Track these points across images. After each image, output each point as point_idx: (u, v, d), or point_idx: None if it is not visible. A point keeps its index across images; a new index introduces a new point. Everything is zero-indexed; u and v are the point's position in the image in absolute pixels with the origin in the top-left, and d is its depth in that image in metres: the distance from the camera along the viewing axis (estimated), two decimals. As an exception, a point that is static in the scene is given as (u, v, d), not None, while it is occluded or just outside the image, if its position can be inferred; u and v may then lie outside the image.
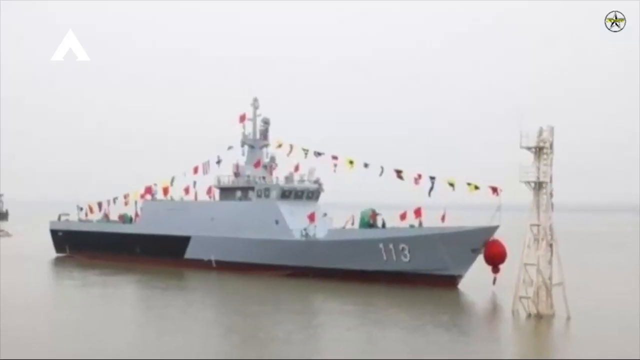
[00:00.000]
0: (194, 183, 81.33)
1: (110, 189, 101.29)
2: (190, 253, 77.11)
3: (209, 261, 74.64)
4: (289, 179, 75.62)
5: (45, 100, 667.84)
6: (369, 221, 67.02)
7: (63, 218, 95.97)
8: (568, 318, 46.11)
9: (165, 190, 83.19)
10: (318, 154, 72.50)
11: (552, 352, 41.06)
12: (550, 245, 47.59)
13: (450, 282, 60.86)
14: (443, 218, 64.10)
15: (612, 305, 52.97)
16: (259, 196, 73.68)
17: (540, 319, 46.02)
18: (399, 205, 71.27)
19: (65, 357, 35.51)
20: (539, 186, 47.44)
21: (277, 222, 70.63)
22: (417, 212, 63.98)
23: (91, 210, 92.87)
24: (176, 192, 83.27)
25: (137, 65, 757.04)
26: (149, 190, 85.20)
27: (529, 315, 46.60)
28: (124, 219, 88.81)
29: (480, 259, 59.82)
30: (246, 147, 78.93)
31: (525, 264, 47.18)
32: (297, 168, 76.26)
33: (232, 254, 72.86)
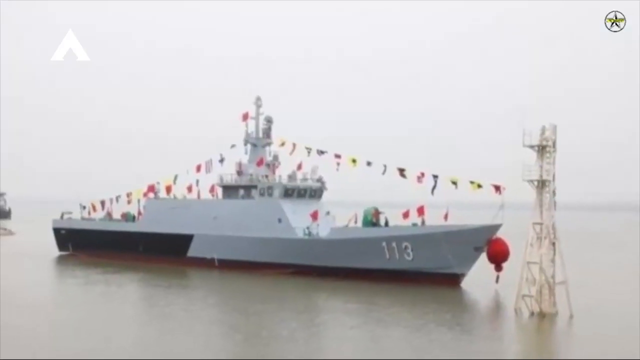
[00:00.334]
0: (197, 181, 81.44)
1: (109, 188, 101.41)
2: (193, 251, 77.16)
3: (212, 259, 74.66)
4: (291, 177, 75.60)
5: (45, 100, 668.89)
6: (372, 219, 67.03)
7: (66, 216, 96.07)
8: (571, 316, 46.10)
9: (168, 189, 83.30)
10: (321, 152, 72.53)
11: (555, 351, 41.01)
12: (553, 244, 47.58)
13: (453, 280, 60.84)
14: (446, 216, 64.05)
15: (614, 303, 52.91)
16: (261, 194, 73.70)
17: (543, 318, 46.00)
18: (401, 204, 71.14)
19: (67, 356, 35.49)
20: (541, 184, 47.44)
21: (280, 220, 70.65)
22: (420, 211, 63.93)
23: (94, 208, 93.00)
24: (179, 191, 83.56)
25: (137, 65, 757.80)
26: (151, 188, 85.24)
27: (532, 314, 46.57)
28: (127, 217, 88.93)
29: (483, 257, 59.79)
30: (249, 146, 79.06)
31: (528, 263, 47.17)
32: (299, 166, 76.27)
33: (235, 253, 72.89)
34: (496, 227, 58.80)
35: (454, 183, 61.98)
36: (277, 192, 72.80)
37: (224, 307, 54.53)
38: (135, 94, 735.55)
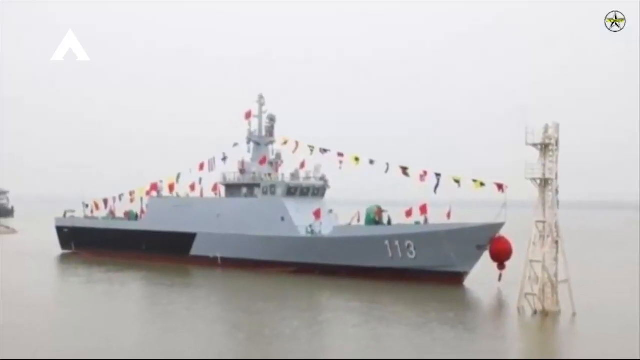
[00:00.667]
0: (200, 180, 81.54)
1: (109, 188, 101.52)
2: (195, 250, 77.21)
3: (215, 258, 74.71)
4: (294, 175, 75.62)
5: (45, 100, 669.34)
6: (375, 218, 67.02)
7: (69, 215, 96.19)
8: (574, 315, 46.07)
9: (171, 187, 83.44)
10: (324, 150, 72.55)
11: (558, 349, 40.95)
12: (556, 242, 47.50)
13: (456, 278, 60.81)
14: (449, 215, 64.07)
15: (617, 302, 52.80)
16: (264, 193, 73.72)
17: (546, 316, 45.95)
18: (404, 202, 71.12)
19: (69, 355, 35.44)
20: (544, 183, 47.38)
21: (282, 219, 70.68)
22: (423, 209, 63.90)
23: (97, 207, 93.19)
24: (182, 189, 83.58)
25: (137, 65, 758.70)
26: (154, 187, 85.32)
27: (535, 312, 46.51)
28: (130, 215, 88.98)
29: (486, 255, 59.75)
30: (252, 144, 79.02)
31: (531, 261, 47.11)
32: (302, 165, 76.30)
33: (237, 251, 72.93)
34: (499, 226, 58.74)
35: (457, 181, 61.96)
36: (280, 191, 72.82)
37: (226, 305, 54.57)
38: (135, 94, 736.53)
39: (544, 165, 47.13)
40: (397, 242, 62.87)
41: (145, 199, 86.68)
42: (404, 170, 65.91)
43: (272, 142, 79.28)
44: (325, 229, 68.21)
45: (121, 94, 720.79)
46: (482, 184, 60.67)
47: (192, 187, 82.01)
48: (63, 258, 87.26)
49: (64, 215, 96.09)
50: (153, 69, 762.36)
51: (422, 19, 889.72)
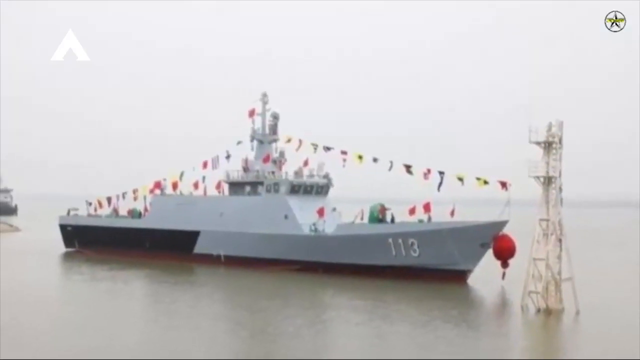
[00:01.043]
0: (203, 178, 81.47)
1: (110, 188, 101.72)
2: (199, 248, 77.22)
3: (218, 256, 74.73)
4: (298, 173, 75.58)
5: (45, 100, 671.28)
6: (378, 216, 67.01)
7: (72, 213, 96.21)
8: (577, 313, 46.01)
9: (175, 185, 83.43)
10: (327, 148, 72.58)
11: (562, 348, 40.87)
12: (560, 240, 47.45)
13: (459, 276, 60.78)
14: (452, 213, 64.02)
15: (620, 301, 52.74)
16: (268, 191, 73.70)
17: (550, 314, 45.92)
18: (408, 200, 71.06)
19: (71, 354, 35.45)
20: (548, 181, 47.31)
21: (286, 217, 70.67)
22: (426, 207, 63.87)
23: (100, 205, 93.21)
24: (185, 187, 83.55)
25: (137, 65, 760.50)
26: (158, 185, 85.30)
27: (538, 310, 46.49)
28: (133, 213, 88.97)
29: (489, 253, 59.70)
30: (255, 142, 79.02)
31: (535, 259, 47.07)
32: (306, 163, 76.31)
33: (241, 249, 72.93)
34: (502, 224, 58.68)
35: (460, 180, 62.01)
36: (283, 189, 72.80)
37: (230, 303, 54.61)
38: (135, 94, 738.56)
39: (547, 163, 47.08)
40: (400, 240, 62.84)
41: (149, 197, 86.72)
42: (408, 168, 65.86)
43: (275, 140, 79.26)
44: (328, 227, 68.18)
45: (121, 94, 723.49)
46: (485, 182, 60.69)
47: (196, 185, 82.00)
48: (66, 256, 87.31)
49: (68, 214, 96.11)
50: (153, 69, 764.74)
51: (422, 19, 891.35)
